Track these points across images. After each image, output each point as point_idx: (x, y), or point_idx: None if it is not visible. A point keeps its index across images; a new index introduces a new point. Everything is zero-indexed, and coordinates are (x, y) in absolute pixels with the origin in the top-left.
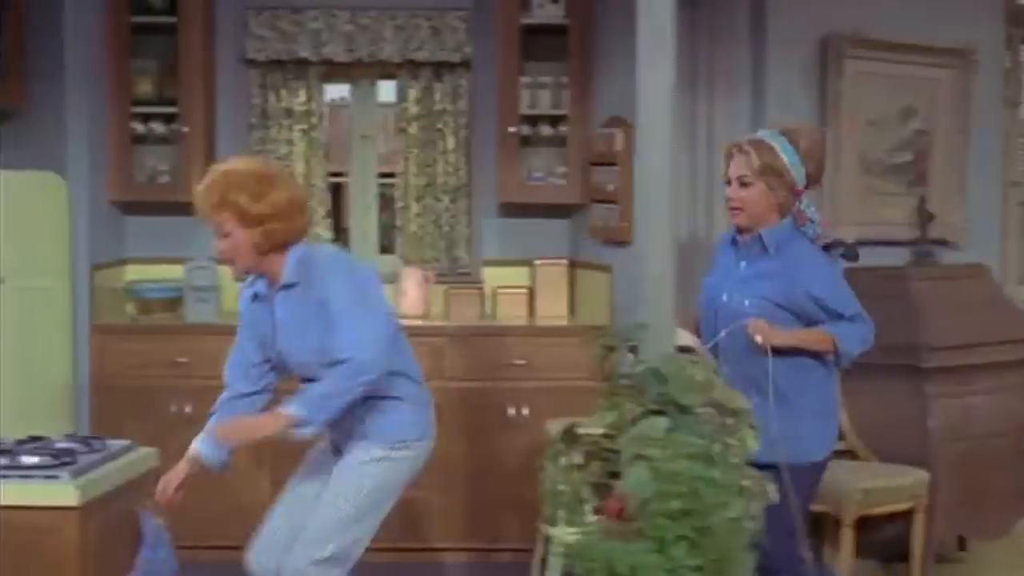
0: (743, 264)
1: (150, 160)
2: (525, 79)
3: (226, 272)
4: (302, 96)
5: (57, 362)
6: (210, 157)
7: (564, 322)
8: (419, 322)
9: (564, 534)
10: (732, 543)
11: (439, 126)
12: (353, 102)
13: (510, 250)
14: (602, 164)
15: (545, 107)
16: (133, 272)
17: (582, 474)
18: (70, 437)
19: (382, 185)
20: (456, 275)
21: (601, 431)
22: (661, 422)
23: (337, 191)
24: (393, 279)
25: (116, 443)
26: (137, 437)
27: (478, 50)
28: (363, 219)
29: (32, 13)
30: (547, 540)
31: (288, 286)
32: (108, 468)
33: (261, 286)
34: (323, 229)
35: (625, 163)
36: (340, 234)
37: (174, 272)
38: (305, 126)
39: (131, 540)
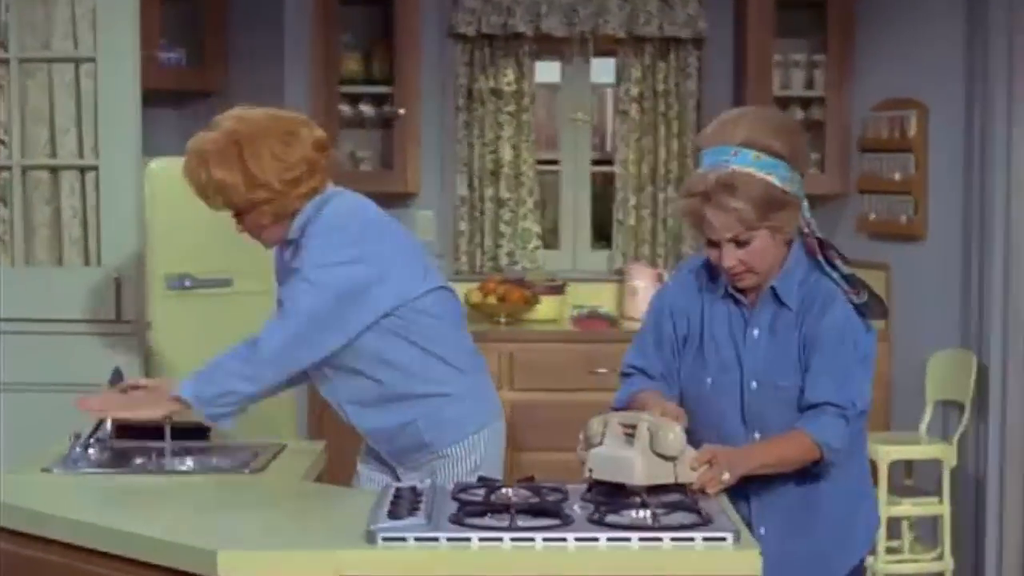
0: (756, 332)
1: (348, 145)
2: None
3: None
4: (511, 75)
5: None
6: (417, 142)
7: None
8: None
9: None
10: None
11: (663, 109)
12: (564, 82)
13: None
14: (876, 151)
15: (798, 88)
16: None
17: None
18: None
19: (598, 174)
20: None
21: None
22: None
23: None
24: (619, 277)
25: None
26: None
27: (710, 25)
28: (575, 211)
29: None
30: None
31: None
32: None
33: None
34: (532, 222)
35: (920, 150)
36: (550, 226)
37: None
38: (514, 108)
39: None
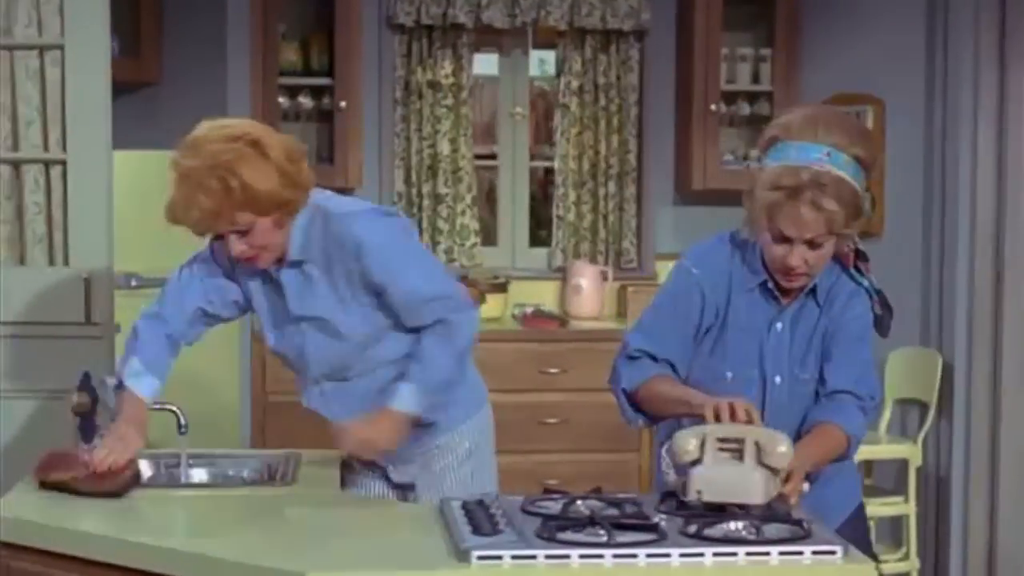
0: (779, 326)
1: None
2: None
3: None
4: (448, 67)
5: (223, 374)
6: (359, 136)
7: None
8: (594, 324)
9: None
10: None
11: (604, 102)
12: (502, 74)
13: (689, 242)
14: None
15: (745, 82)
16: None
17: None
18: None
19: (536, 169)
20: (622, 270)
21: None
22: None
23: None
24: (559, 274)
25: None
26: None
27: (653, 18)
28: (514, 207)
29: None
30: None
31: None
32: None
33: None
34: (470, 218)
35: (877, 145)
36: (488, 223)
37: None
38: (451, 101)
39: None
